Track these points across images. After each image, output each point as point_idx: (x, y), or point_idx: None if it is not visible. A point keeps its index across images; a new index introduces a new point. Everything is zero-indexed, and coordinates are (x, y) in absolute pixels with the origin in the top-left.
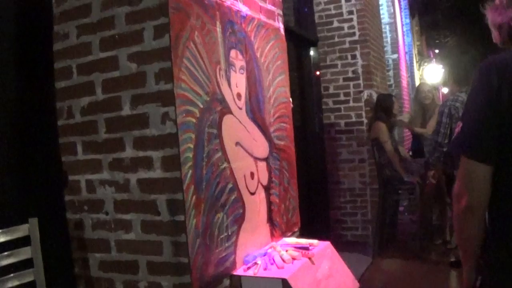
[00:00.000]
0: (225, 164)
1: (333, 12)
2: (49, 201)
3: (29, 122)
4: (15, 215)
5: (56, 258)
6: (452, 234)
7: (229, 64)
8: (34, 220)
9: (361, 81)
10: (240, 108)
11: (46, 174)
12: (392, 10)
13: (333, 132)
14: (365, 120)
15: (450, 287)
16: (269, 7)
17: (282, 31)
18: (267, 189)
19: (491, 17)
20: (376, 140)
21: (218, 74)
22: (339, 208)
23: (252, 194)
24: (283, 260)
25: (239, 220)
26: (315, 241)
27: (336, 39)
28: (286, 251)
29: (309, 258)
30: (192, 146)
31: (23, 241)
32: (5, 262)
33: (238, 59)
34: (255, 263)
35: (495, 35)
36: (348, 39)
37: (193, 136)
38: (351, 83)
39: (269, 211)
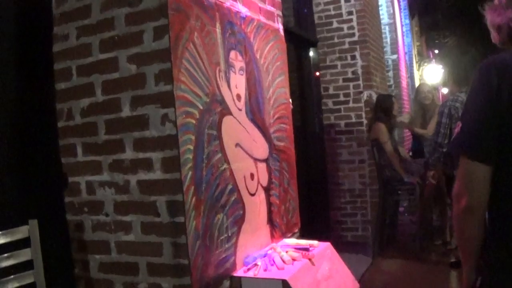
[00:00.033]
0: (225, 165)
1: (332, 12)
2: (49, 203)
3: (29, 124)
4: (15, 217)
5: (56, 259)
6: (452, 235)
7: (229, 65)
8: (34, 222)
9: (360, 82)
10: (240, 109)
11: (46, 175)
12: (391, 11)
13: (333, 132)
14: (365, 121)
15: (450, 287)
16: (269, 8)
17: (282, 32)
18: (267, 190)
19: (490, 17)
20: (376, 140)
21: (217, 75)
22: (339, 209)
23: (252, 195)
24: (283, 261)
25: (239, 221)
26: (315, 242)
27: (336, 40)
28: (286, 252)
29: (309, 259)
30: (192, 147)
31: (23, 243)
32: (5, 263)
33: (237, 60)
34: (255, 264)
35: (494, 36)
36: (347, 39)
37: (193, 137)
38: (351, 84)
39: (269, 212)
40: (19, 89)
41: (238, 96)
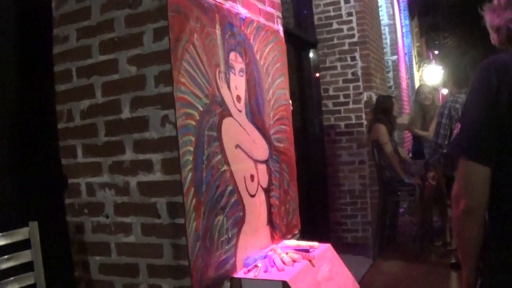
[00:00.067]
0: (225, 167)
1: (332, 14)
2: (49, 204)
3: (29, 125)
4: (16, 218)
5: (57, 261)
6: (452, 236)
7: (229, 67)
8: (34, 223)
9: (360, 83)
10: (240, 111)
11: (46, 177)
12: (391, 12)
13: (333, 134)
14: (365, 122)
15: None
16: (268, 9)
17: (282, 33)
18: (267, 191)
19: (489, 19)
20: (376, 141)
21: (217, 77)
22: (339, 210)
23: (252, 196)
24: (284, 263)
25: (239, 222)
26: (315, 243)
27: (336, 41)
28: (287, 253)
29: (310, 261)
30: (192, 149)
31: (24, 244)
32: (5, 265)
33: (237, 61)
34: (256, 266)
35: (493, 37)
36: (347, 40)
37: (193, 139)
38: (351, 85)
39: (269, 213)
40: (19, 90)
41: (238, 98)
